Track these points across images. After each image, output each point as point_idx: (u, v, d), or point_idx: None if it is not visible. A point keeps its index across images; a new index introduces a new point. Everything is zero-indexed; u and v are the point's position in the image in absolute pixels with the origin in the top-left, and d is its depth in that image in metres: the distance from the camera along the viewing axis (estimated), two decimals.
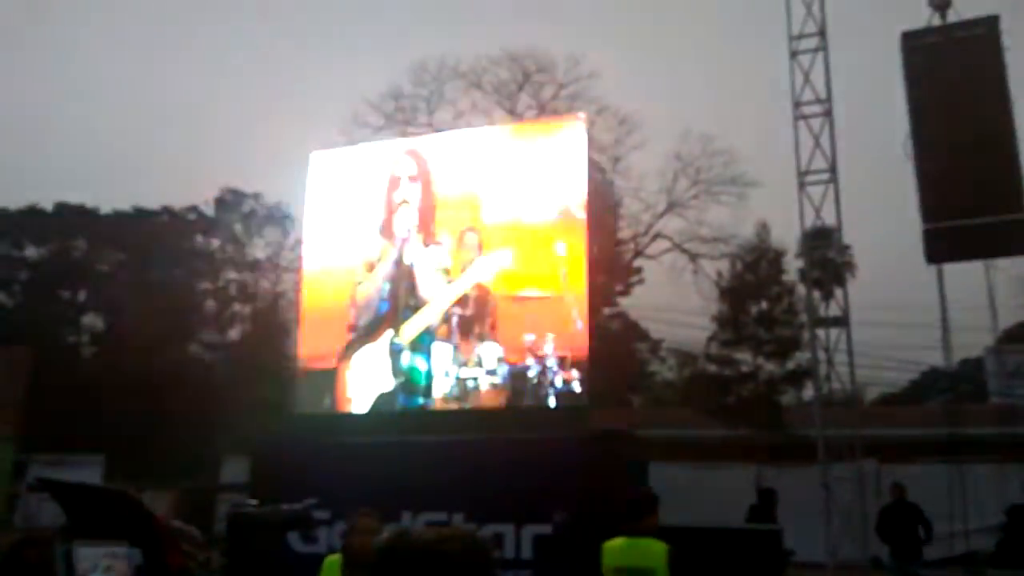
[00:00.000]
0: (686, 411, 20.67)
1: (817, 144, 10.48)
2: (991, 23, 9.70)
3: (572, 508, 6.55)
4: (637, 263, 23.77)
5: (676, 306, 33.88)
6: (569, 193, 7.88)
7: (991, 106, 9.00)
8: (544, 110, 22.25)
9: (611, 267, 21.72)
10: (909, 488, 9.99)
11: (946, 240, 9.24)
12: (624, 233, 23.16)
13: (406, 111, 23.15)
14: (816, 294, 11.43)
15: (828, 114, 10.49)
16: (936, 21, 10.21)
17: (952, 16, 10.24)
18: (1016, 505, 9.08)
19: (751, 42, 40.34)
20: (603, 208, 20.29)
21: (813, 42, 10.70)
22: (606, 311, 23.10)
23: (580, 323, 7.48)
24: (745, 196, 22.07)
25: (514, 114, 22.33)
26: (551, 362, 7.51)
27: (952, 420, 11.69)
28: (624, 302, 24.91)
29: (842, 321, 10.21)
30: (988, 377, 26.58)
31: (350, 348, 8.51)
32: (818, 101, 10.58)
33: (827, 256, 12.09)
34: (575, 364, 7.47)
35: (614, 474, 6.84)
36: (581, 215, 7.75)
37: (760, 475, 14.27)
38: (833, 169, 10.34)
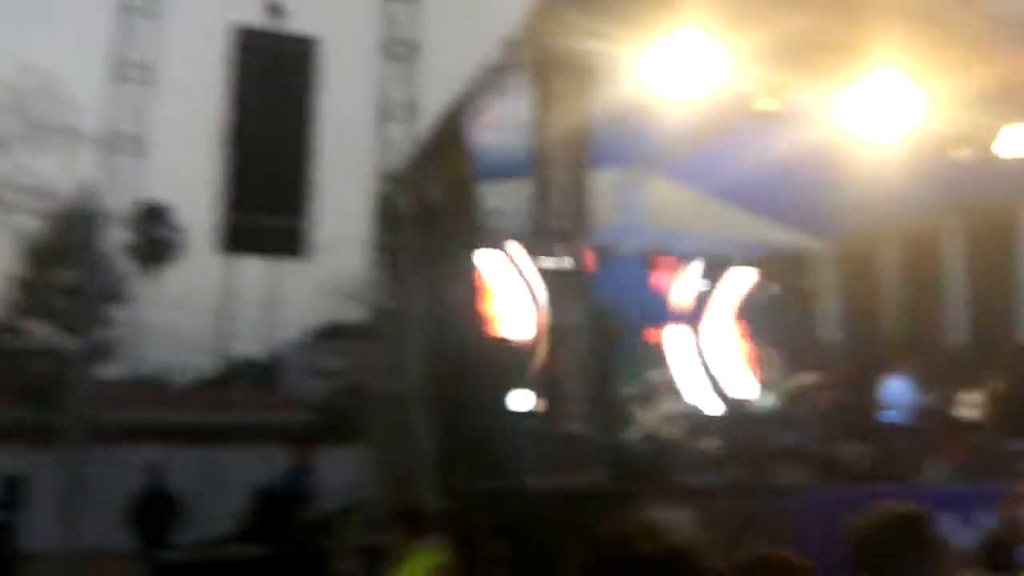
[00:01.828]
0: None
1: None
2: (314, 44, 10.47)
3: None
4: None
5: None
6: None
7: (296, 119, 9.72)
8: None
9: None
10: (167, 472, 10.02)
11: (240, 234, 9.61)
12: None
13: None
14: (137, 271, 10.80)
15: (150, 82, 10.07)
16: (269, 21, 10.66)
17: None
18: (261, 488, 9.81)
19: None
20: None
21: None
22: None
23: None
24: (77, 153, 20.04)
25: None
26: None
27: (222, 405, 12.20)
28: None
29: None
30: (288, 370, 29.31)
31: None
32: (140, 66, 10.07)
33: (155, 234, 11.58)
34: None
35: None
36: None
37: (22, 459, 12.77)
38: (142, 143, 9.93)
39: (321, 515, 9.03)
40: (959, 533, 6.24)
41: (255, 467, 11.47)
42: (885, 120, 7.29)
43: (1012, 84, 7.83)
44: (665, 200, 11.23)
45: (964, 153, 8.20)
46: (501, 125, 7.67)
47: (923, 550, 1.85)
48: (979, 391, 9.14)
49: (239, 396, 20.72)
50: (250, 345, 25.70)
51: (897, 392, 9.04)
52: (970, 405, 9.18)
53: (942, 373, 9.89)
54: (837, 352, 11.86)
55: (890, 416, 8.97)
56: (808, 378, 8.84)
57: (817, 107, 7.60)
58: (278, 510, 8.73)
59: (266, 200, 9.36)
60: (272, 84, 9.84)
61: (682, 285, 11.82)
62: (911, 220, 10.86)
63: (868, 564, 1.90)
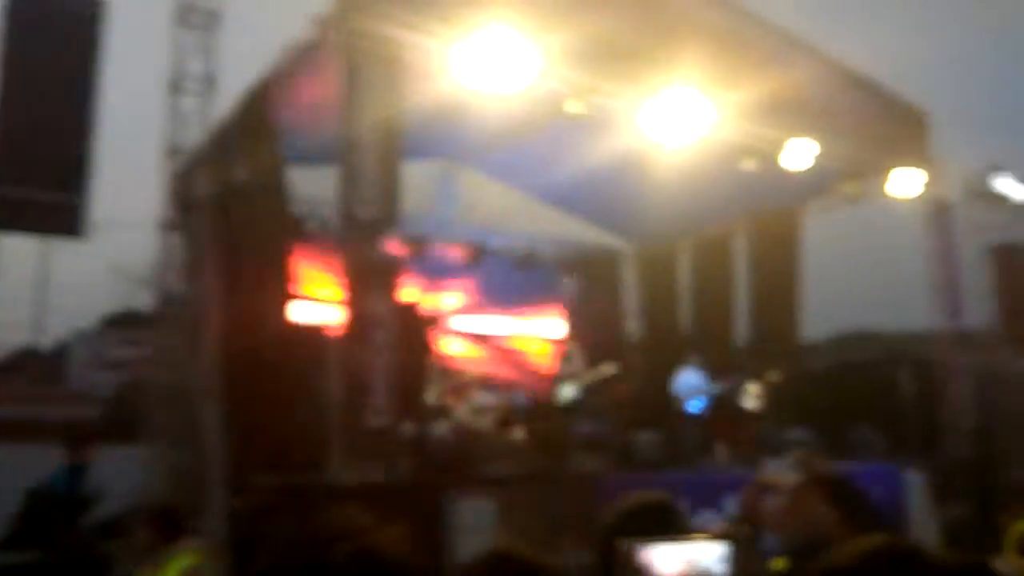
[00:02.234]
0: None
1: None
2: (99, 5, 9.55)
3: None
4: None
5: None
6: None
7: (77, 87, 8.85)
8: None
9: None
10: None
11: (7, 209, 8.62)
12: None
13: None
14: None
15: None
16: None
17: None
18: (33, 488, 8.92)
19: None
20: None
21: None
22: None
23: None
24: None
25: None
26: None
27: None
28: None
29: None
30: (74, 361, 26.96)
31: None
32: None
33: None
34: None
35: None
36: None
37: None
38: None
39: (105, 517, 8.37)
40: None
41: (31, 466, 10.45)
42: (681, 129, 7.72)
43: (795, 98, 8.55)
44: (481, 195, 11.35)
45: (752, 163, 8.86)
46: (311, 108, 7.40)
47: (668, 535, 1.90)
48: (760, 383, 9.95)
49: (20, 389, 18.92)
50: (31, 334, 23.46)
51: (689, 383, 9.65)
52: (752, 396, 9.98)
53: (730, 366, 10.69)
54: (636, 345, 12.51)
55: (682, 406, 9.57)
56: (608, 370, 9.22)
57: (622, 113, 7.93)
58: (53, 512, 7.98)
59: (39, 173, 8.46)
60: (50, 47, 8.91)
61: (493, 280, 12.00)
62: (706, 224, 11.64)
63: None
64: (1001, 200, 11.05)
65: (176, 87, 7.07)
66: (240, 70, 7.07)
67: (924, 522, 8.51)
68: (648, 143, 8.29)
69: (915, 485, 8.53)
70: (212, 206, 7.13)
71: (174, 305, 6.40)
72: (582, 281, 13.04)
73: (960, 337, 10.42)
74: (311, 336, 7.05)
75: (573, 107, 7.49)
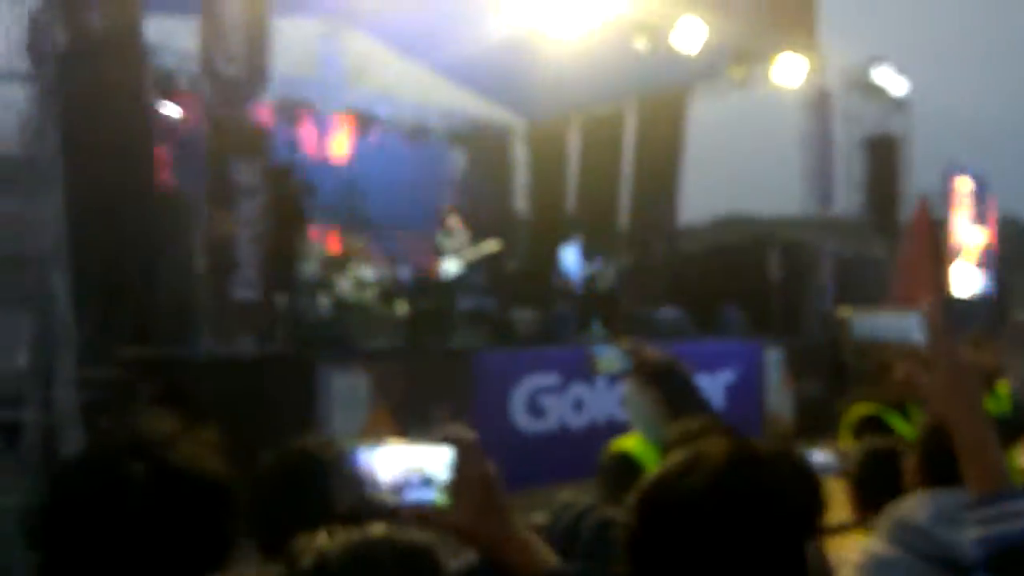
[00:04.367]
0: None
1: None
2: None
3: None
4: None
5: None
6: None
7: None
8: None
9: None
10: None
11: None
12: None
13: None
14: None
15: None
16: None
17: None
18: None
19: None
20: None
21: None
22: None
23: None
24: None
25: None
26: None
27: None
28: None
29: None
30: None
31: None
32: None
33: None
34: None
35: None
36: None
37: None
38: None
39: None
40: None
41: None
42: (573, 4, 7.46)
43: None
44: (368, 61, 10.78)
45: (643, 42, 8.73)
46: None
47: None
48: (636, 263, 10.20)
49: None
50: None
51: (569, 262, 9.78)
52: (629, 275, 10.24)
53: (610, 246, 10.88)
54: (521, 222, 12.54)
55: (561, 283, 9.72)
56: (492, 246, 9.20)
57: None
58: None
59: None
60: None
61: (379, 147, 11.61)
62: (596, 103, 11.53)
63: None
64: (879, 92, 11.40)
65: None
66: None
67: (780, 397, 9.12)
68: (542, 17, 8.01)
69: (773, 362, 9.07)
70: (62, 57, 6.44)
71: (22, 164, 5.85)
72: (471, 156, 12.81)
73: (828, 223, 10.93)
74: (173, 202, 6.64)
75: None
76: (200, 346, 5.99)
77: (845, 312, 1.43)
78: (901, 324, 1.34)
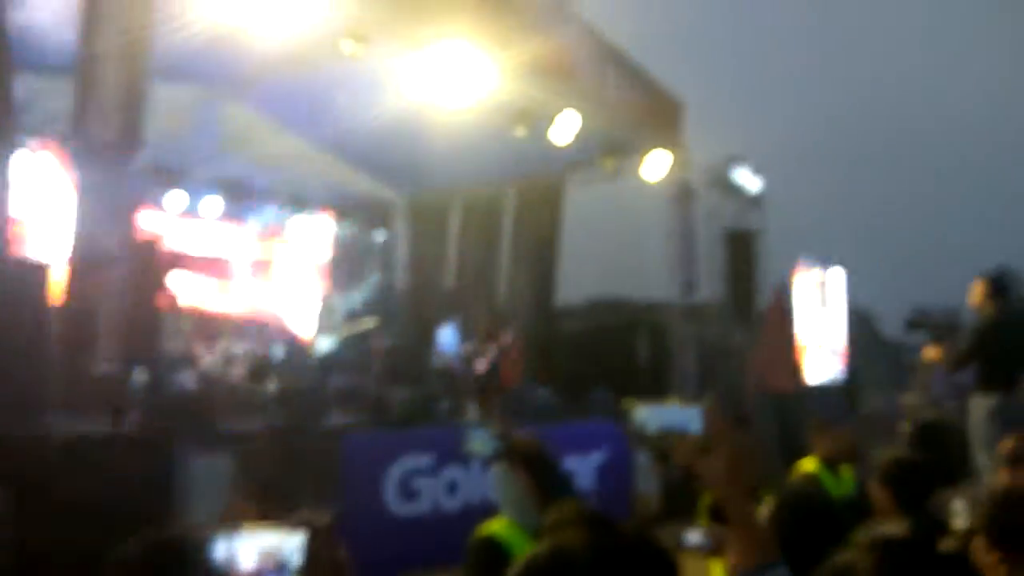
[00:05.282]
0: None
1: None
2: None
3: None
4: None
5: None
6: None
7: None
8: None
9: None
10: None
11: None
12: None
13: None
14: None
15: None
16: None
17: None
18: None
19: None
20: None
21: None
22: None
23: None
24: None
25: None
26: None
27: None
28: None
29: None
30: None
31: None
32: None
33: None
34: None
35: None
36: None
37: None
38: None
39: None
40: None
41: None
42: (455, 85, 7.69)
43: (564, 65, 8.83)
44: (248, 132, 10.67)
45: (522, 130, 9.07)
46: (48, 9, 6.52)
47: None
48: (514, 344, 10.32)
49: None
50: None
51: (447, 340, 9.80)
52: (507, 357, 10.33)
53: (489, 326, 10.99)
54: (400, 298, 12.51)
55: (439, 362, 9.71)
56: (368, 323, 9.13)
57: (398, 64, 7.76)
58: None
59: None
60: None
61: (247, 226, 11.41)
62: (476, 183, 11.80)
63: None
64: (737, 190, 12.22)
65: None
66: None
67: (647, 478, 9.32)
68: (424, 96, 8.19)
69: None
70: None
71: None
72: (351, 230, 12.77)
73: (693, 311, 11.47)
74: (27, 269, 6.26)
75: (349, 48, 7.21)
76: (50, 423, 5.57)
77: (629, 404, 1.55)
78: (682, 416, 1.46)
